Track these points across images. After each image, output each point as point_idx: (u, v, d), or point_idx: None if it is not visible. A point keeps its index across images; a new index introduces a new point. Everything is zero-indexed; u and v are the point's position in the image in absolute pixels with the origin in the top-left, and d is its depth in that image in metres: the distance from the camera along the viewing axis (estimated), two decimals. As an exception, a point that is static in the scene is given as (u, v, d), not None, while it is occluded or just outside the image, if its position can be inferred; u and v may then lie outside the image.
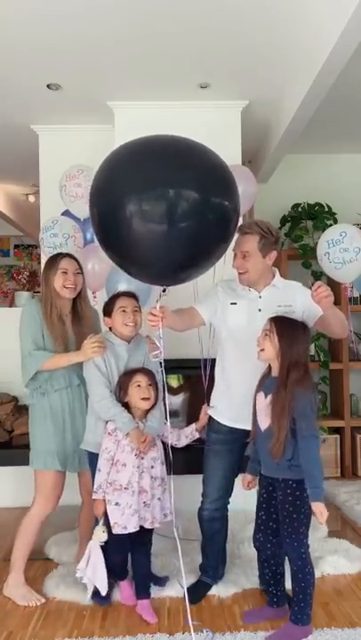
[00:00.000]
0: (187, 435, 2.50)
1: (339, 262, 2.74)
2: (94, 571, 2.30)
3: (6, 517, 3.45)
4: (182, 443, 2.50)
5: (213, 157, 2.02)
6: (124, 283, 2.80)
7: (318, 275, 4.24)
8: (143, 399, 2.32)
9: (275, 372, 2.18)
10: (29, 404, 2.56)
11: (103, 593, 2.32)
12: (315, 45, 2.84)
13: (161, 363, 2.27)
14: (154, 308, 2.17)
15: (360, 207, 4.55)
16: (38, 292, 4.31)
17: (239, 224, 2.29)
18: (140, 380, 2.33)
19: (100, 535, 2.30)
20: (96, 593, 2.42)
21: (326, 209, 4.46)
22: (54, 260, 2.59)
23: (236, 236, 2.31)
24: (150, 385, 2.34)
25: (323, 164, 4.79)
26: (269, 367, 2.23)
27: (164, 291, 2.14)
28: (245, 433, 2.33)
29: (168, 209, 1.86)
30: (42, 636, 2.20)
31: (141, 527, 2.30)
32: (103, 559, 2.29)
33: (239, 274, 2.40)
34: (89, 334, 2.55)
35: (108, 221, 1.98)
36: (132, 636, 2.17)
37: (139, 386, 2.33)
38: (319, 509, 2.04)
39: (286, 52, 3.07)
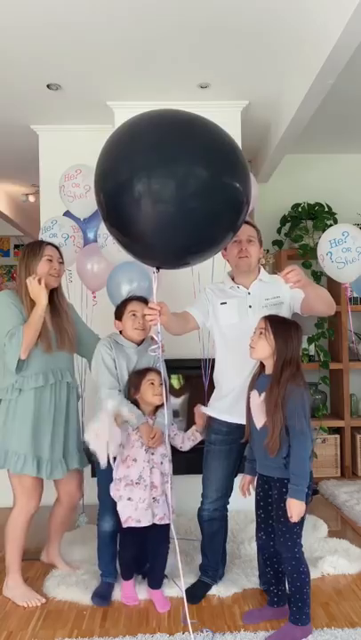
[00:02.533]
0: (189, 437, 2.51)
1: (341, 262, 2.75)
2: (110, 432, 2.19)
3: (6, 517, 3.44)
4: (187, 446, 2.50)
5: (224, 136, 2.01)
6: (126, 283, 2.79)
7: (318, 275, 4.24)
8: (156, 395, 2.37)
9: (268, 370, 2.19)
10: (1, 400, 2.43)
11: (113, 454, 2.21)
12: (315, 45, 2.83)
13: (159, 357, 2.27)
14: (152, 302, 2.20)
15: (360, 207, 4.55)
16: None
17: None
18: (154, 378, 2.38)
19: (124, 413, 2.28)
20: (96, 594, 2.44)
21: (326, 209, 4.45)
22: (37, 246, 2.50)
23: None
24: (161, 384, 2.38)
25: (323, 164, 4.78)
26: (261, 365, 2.24)
27: (158, 270, 2.14)
28: (243, 430, 2.34)
29: (174, 189, 1.85)
30: (42, 636, 2.20)
31: (153, 523, 2.31)
32: (116, 428, 2.24)
33: (241, 258, 2.44)
34: (68, 328, 2.52)
35: (114, 204, 1.96)
36: (132, 635, 2.17)
37: (152, 383, 2.38)
38: (297, 509, 2.05)
39: (286, 51, 3.07)
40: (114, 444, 2.18)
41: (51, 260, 2.47)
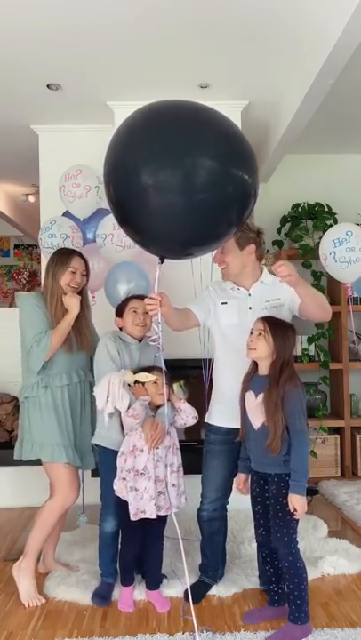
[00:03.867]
0: (179, 412, 2.44)
1: (345, 262, 2.74)
2: (115, 392, 2.32)
3: (6, 517, 3.45)
4: (187, 419, 2.44)
5: (234, 129, 1.99)
6: (124, 283, 2.80)
7: (318, 275, 4.24)
8: (160, 395, 2.38)
9: (263, 371, 2.20)
10: (26, 397, 2.51)
11: (124, 408, 2.33)
12: (315, 45, 2.84)
13: (159, 348, 2.27)
14: (153, 292, 2.20)
15: (360, 207, 4.55)
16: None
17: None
18: (158, 377, 2.39)
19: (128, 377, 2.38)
20: (96, 594, 2.44)
21: (326, 209, 4.45)
22: (66, 256, 2.57)
23: None
24: (165, 383, 2.39)
25: (323, 164, 4.78)
26: (255, 366, 2.24)
27: (161, 261, 2.14)
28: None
29: (181, 180, 1.83)
30: (42, 636, 2.20)
31: (157, 516, 2.31)
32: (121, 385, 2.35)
33: (221, 270, 2.46)
34: (86, 331, 2.60)
35: (123, 194, 1.95)
36: (132, 635, 2.17)
37: (156, 383, 2.38)
38: (300, 503, 2.08)
39: (286, 52, 3.07)
40: (117, 401, 2.32)
41: (74, 273, 2.55)
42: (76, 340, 2.56)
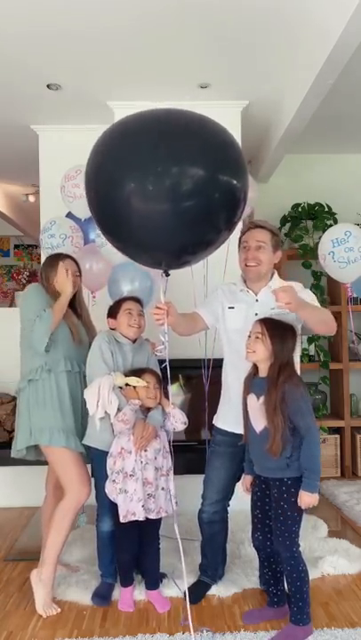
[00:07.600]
0: (169, 417, 2.43)
1: (343, 262, 2.74)
2: (104, 397, 2.31)
3: (5, 517, 3.45)
4: (176, 424, 2.43)
5: (221, 133, 1.96)
6: (127, 283, 2.79)
7: (318, 275, 4.24)
8: (150, 398, 2.37)
9: (263, 373, 2.19)
10: (29, 380, 2.47)
11: (113, 413, 2.31)
12: (315, 45, 2.84)
13: (166, 359, 2.25)
14: (159, 302, 2.18)
15: (360, 207, 4.55)
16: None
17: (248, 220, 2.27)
18: (149, 380, 2.38)
19: (119, 380, 2.35)
20: (96, 594, 2.45)
21: (326, 209, 4.45)
22: (55, 259, 2.61)
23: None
24: (156, 387, 2.39)
25: (323, 164, 4.78)
26: (255, 368, 2.23)
27: (167, 275, 2.11)
28: None
29: (169, 188, 1.79)
30: (42, 636, 2.20)
31: (147, 519, 2.31)
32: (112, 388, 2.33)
33: (249, 267, 2.37)
34: (91, 330, 2.65)
35: (105, 202, 1.93)
36: (132, 635, 2.17)
37: (147, 386, 2.37)
38: (310, 500, 2.08)
39: (287, 51, 3.07)
40: (107, 407, 2.31)
41: (67, 271, 2.57)
42: (87, 334, 2.61)
